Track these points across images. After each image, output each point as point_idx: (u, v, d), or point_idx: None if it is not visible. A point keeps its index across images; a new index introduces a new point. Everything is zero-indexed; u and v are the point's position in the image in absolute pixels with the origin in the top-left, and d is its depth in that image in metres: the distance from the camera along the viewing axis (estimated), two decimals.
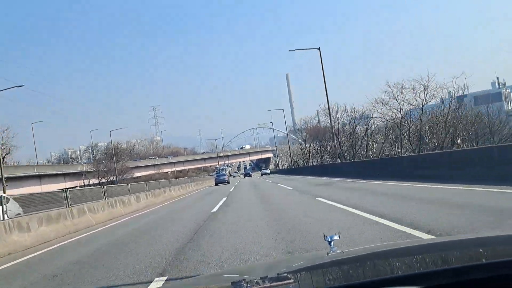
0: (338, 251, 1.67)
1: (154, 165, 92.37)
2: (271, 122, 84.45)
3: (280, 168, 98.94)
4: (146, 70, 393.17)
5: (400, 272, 1.25)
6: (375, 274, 1.33)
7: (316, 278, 1.40)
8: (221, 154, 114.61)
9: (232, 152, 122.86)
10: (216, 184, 45.30)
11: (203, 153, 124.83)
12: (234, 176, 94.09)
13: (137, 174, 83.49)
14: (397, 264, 1.41)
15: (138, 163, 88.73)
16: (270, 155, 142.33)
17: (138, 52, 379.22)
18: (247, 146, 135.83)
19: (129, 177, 73.92)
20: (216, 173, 68.94)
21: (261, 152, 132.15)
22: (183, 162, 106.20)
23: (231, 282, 1.58)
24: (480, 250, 1.43)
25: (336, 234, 1.75)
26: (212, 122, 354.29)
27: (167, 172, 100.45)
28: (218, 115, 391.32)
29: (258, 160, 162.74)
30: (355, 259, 1.61)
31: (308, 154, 68.35)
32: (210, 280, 2.06)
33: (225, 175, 54.63)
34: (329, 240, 1.71)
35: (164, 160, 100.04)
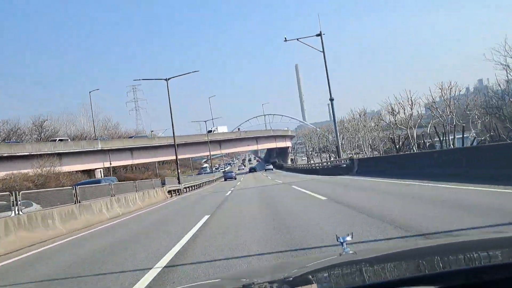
0: (350, 252, 1.64)
1: (45, 155, 41.23)
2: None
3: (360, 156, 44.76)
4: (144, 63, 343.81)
5: (411, 273, 1.23)
6: (389, 274, 1.29)
7: (333, 279, 1.36)
8: (204, 139, 63.48)
9: (225, 136, 71.41)
10: (225, 179, 50.09)
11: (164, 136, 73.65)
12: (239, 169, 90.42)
13: None
14: (410, 264, 1.39)
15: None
16: (288, 144, 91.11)
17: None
18: (222, 129, 79.21)
19: None
20: (223, 171, 72.18)
21: (275, 137, 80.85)
22: (131, 150, 55.40)
23: (243, 286, 1.45)
24: (499, 251, 1.37)
25: (348, 235, 1.71)
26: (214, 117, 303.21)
27: (89, 171, 49.82)
28: (222, 111, 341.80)
29: (270, 150, 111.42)
30: (369, 260, 1.56)
31: None
32: (219, 284, 1.85)
33: (232, 172, 58.57)
34: (342, 241, 1.67)
35: (83, 146, 49.02)
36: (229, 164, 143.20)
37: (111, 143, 53.01)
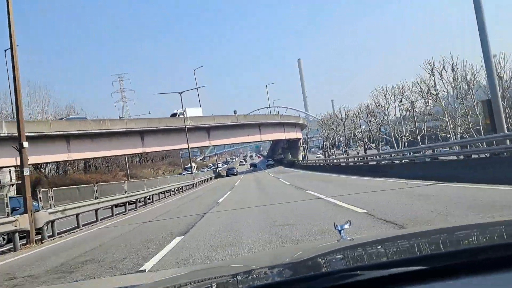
0: (348, 239, 1.67)
1: None
2: None
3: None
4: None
5: (408, 255, 1.27)
6: (388, 257, 1.33)
7: (332, 262, 1.38)
8: (178, 125, 43.81)
9: (216, 121, 51.46)
10: (227, 175, 54.84)
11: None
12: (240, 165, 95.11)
13: None
14: (407, 247, 1.44)
15: None
16: (300, 135, 71.63)
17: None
18: (195, 112, 51.34)
19: None
20: (214, 170, 69.58)
21: (283, 125, 61.31)
22: (66, 138, 35.93)
23: (244, 272, 1.45)
24: (494, 234, 1.46)
25: (346, 223, 1.73)
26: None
27: None
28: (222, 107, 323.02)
29: (275, 145, 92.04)
30: (366, 245, 1.61)
31: None
32: (217, 271, 1.80)
33: (234, 168, 62.17)
34: (340, 228, 1.69)
35: None
36: (226, 162, 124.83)
37: (29, 127, 33.44)
